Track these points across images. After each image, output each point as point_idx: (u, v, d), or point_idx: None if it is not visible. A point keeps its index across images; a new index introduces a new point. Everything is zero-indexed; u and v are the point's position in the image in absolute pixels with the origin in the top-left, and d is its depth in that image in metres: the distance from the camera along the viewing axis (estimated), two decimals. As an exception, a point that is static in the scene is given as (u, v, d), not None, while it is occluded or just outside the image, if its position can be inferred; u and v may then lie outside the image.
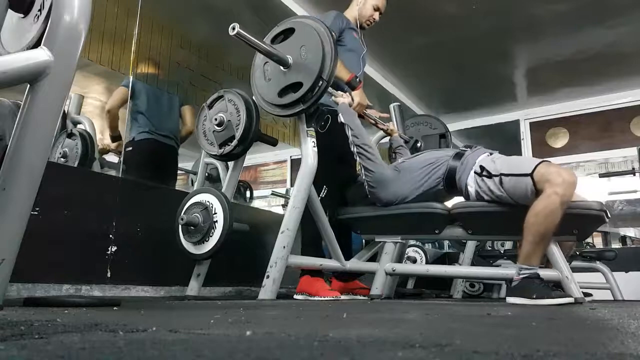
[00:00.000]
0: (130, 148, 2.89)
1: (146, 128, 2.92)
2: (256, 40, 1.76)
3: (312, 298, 2.13)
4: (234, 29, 1.66)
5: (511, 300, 1.77)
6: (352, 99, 2.31)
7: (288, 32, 1.93)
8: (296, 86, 1.85)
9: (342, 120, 2.22)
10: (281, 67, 1.88)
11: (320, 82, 1.80)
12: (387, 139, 2.80)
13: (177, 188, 3.16)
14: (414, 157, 2.25)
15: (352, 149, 2.23)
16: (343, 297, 2.32)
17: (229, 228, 1.89)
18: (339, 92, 2.27)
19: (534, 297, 1.67)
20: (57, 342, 0.49)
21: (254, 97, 2.04)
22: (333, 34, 1.87)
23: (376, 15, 2.56)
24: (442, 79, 4.57)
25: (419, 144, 3.00)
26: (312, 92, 1.82)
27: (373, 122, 2.59)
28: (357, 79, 2.33)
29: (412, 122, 3.12)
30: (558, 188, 1.70)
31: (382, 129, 2.69)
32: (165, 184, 2.93)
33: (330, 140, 2.25)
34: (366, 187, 2.22)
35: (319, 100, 1.85)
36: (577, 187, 1.77)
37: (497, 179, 1.90)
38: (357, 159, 2.23)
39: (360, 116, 2.43)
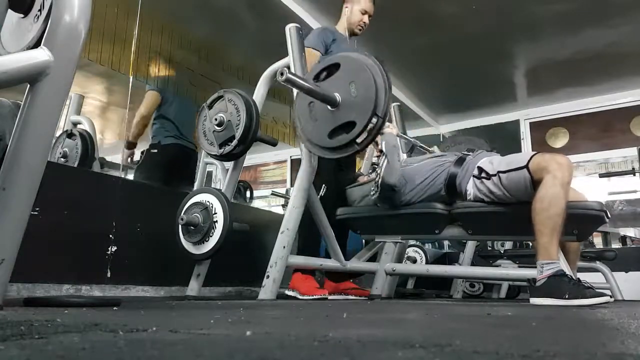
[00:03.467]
0: (156, 151, 2.92)
1: (172, 133, 2.96)
2: (305, 84, 1.67)
3: (301, 297, 2.13)
4: (282, 74, 1.59)
5: (537, 301, 1.65)
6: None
7: (333, 68, 1.79)
8: (348, 126, 1.69)
9: (384, 149, 2.12)
10: (328, 107, 1.74)
11: (376, 120, 1.63)
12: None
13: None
14: (418, 164, 2.24)
15: (376, 178, 2.14)
16: (332, 297, 2.31)
17: (229, 228, 1.89)
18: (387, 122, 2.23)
19: (566, 297, 1.56)
20: (57, 342, 0.49)
21: (302, 144, 1.91)
22: (385, 67, 1.73)
23: (365, 19, 2.58)
24: (442, 79, 4.56)
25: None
26: (365, 130, 1.65)
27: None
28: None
29: (452, 142, 3.06)
30: (556, 172, 1.70)
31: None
32: (187, 188, 2.95)
33: None
34: (374, 196, 2.19)
35: (374, 139, 1.71)
36: (577, 187, 1.78)
37: (495, 178, 1.90)
38: (376, 190, 2.15)
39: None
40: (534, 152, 1.85)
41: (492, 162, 1.96)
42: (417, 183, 2.13)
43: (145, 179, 2.83)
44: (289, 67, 1.96)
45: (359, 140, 1.66)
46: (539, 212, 1.71)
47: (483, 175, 1.95)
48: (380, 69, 1.68)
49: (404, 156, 2.99)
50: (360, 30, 2.60)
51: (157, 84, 2.93)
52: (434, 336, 0.61)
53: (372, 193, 2.18)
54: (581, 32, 3.66)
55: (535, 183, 1.77)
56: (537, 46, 3.90)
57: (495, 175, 1.91)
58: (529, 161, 1.80)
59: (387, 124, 2.22)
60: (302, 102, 1.83)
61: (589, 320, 0.98)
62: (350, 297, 2.36)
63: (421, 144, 2.75)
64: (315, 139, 1.78)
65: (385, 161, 2.09)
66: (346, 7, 2.60)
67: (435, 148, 2.74)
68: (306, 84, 1.68)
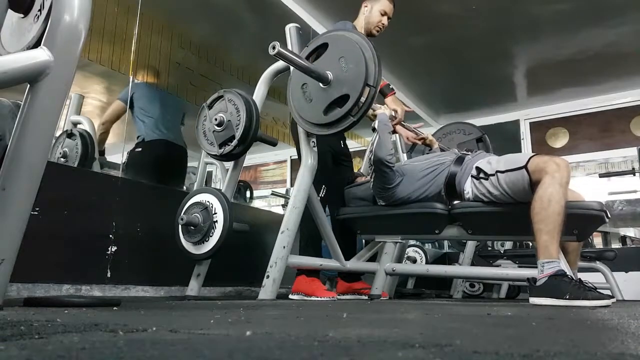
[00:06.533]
0: (140, 149, 2.89)
1: (156, 130, 2.93)
2: (297, 59, 1.70)
3: (308, 298, 2.13)
4: (274, 48, 1.59)
5: (537, 301, 1.63)
6: (395, 111, 2.31)
7: (321, 49, 1.84)
8: (342, 100, 1.74)
9: (376, 127, 2.17)
10: (321, 85, 1.78)
11: (368, 90, 1.69)
12: None
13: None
14: (417, 161, 2.24)
15: (368, 156, 2.19)
16: (345, 297, 2.32)
17: (229, 228, 1.89)
18: (377, 105, 2.22)
19: (567, 297, 1.55)
20: (57, 342, 0.49)
21: (298, 126, 1.96)
22: (370, 40, 1.78)
23: (384, 20, 2.50)
24: (442, 79, 4.57)
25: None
26: (360, 101, 1.71)
27: (412, 132, 2.58)
28: (390, 86, 2.31)
29: (443, 133, 3.03)
30: (556, 173, 1.72)
31: (419, 141, 2.63)
32: (176, 184, 2.92)
33: (321, 144, 2.26)
34: (371, 189, 2.23)
35: (369, 108, 1.75)
36: (577, 187, 1.78)
37: (494, 178, 1.91)
38: (371, 169, 2.21)
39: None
40: (533, 154, 1.86)
41: (490, 162, 1.97)
42: (417, 179, 2.13)
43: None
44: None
45: (353, 112, 1.72)
46: (538, 211, 1.71)
47: (481, 175, 1.96)
48: (367, 43, 1.73)
49: (404, 156, 3.00)
50: (378, 31, 2.51)
51: (138, 89, 2.91)
52: (434, 336, 0.61)
53: (370, 178, 2.22)
54: (581, 32, 3.66)
55: (533, 184, 1.78)
56: (537, 46, 3.90)
57: (493, 175, 1.91)
58: (527, 162, 1.81)
59: (379, 105, 2.24)
60: (295, 85, 1.89)
61: (589, 320, 0.97)
62: (364, 296, 2.37)
63: (412, 127, 2.71)
64: (312, 118, 1.84)
65: (377, 137, 2.15)
66: (365, 6, 2.51)
67: (429, 134, 2.67)
68: (298, 59, 1.71)
